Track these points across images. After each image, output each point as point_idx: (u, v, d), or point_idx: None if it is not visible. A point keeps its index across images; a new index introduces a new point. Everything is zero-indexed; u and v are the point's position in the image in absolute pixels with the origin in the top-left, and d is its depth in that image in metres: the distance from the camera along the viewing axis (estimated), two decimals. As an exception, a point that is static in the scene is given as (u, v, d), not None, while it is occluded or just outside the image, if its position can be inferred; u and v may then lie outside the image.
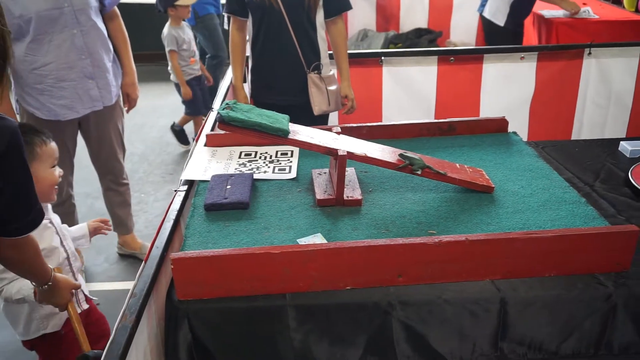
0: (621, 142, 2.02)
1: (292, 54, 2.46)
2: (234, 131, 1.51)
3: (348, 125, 1.93)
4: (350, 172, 1.66)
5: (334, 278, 1.29)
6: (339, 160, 1.49)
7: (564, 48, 3.14)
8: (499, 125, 1.99)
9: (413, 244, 1.28)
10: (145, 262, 1.32)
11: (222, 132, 1.75)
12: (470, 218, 1.47)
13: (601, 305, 1.29)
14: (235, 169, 1.75)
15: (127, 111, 2.83)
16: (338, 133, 1.68)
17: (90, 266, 3.02)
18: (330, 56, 2.63)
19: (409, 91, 3.10)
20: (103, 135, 2.71)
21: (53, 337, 1.79)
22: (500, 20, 3.87)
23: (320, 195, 1.56)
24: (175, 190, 1.65)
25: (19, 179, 1.20)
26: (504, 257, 1.30)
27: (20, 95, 2.47)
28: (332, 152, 1.53)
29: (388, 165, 1.57)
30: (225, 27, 3.12)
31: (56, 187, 1.70)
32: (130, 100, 2.79)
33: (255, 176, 1.69)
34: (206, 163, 1.79)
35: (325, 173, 1.68)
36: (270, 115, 1.57)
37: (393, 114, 3.12)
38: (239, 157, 1.83)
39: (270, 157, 1.83)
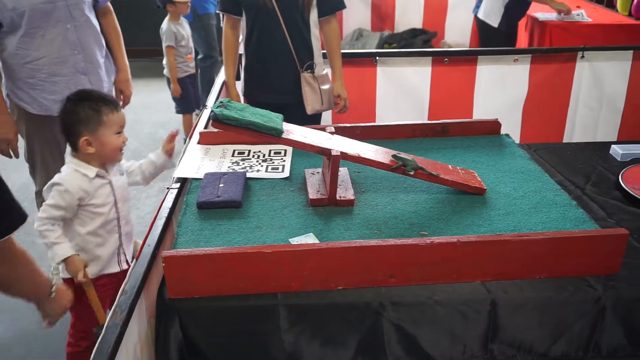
0: (612, 146, 2.04)
1: (286, 52, 2.46)
2: (227, 129, 1.51)
3: (342, 125, 1.94)
4: (343, 172, 1.66)
5: (326, 278, 1.29)
6: (332, 160, 1.49)
7: (557, 51, 3.16)
8: (491, 127, 2.00)
9: (405, 244, 1.28)
10: (136, 260, 1.32)
11: (216, 130, 1.74)
12: (462, 220, 1.48)
13: (590, 308, 1.30)
14: (229, 167, 1.75)
15: (122, 108, 2.82)
16: (332, 133, 1.68)
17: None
18: (324, 55, 2.63)
19: (403, 92, 3.10)
20: None
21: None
22: (494, 21, 3.88)
23: (313, 195, 1.56)
24: (168, 188, 1.65)
25: None
26: (495, 259, 1.31)
27: (11, 89, 2.44)
28: (325, 152, 1.53)
29: (381, 166, 1.57)
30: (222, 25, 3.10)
31: (122, 150, 1.87)
32: (124, 97, 2.77)
33: (248, 175, 1.69)
34: (199, 161, 1.79)
35: (318, 173, 1.68)
36: (264, 114, 1.57)
37: (387, 115, 3.12)
38: (232, 156, 1.83)
39: (264, 156, 1.83)
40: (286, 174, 1.72)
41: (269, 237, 1.41)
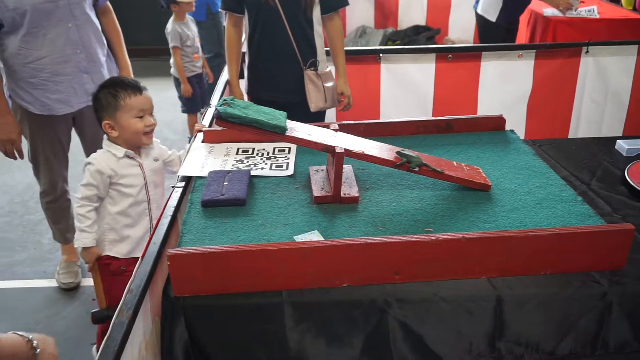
0: (618, 141, 2.03)
1: (288, 50, 2.46)
2: (231, 127, 1.51)
3: (345, 122, 1.93)
4: (347, 169, 1.66)
5: (331, 275, 1.29)
6: (336, 158, 1.49)
7: (561, 46, 3.14)
8: (496, 123, 1.99)
9: (410, 241, 1.28)
10: (142, 258, 1.32)
11: (220, 128, 1.74)
12: (467, 216, 1.48)
13: (596, 304, 1.30)
14: (233, 165, 1.75)
15: None
16: (335, 130, 1.67)
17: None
18: (328, 53, 2.62)
19: (407, 88, 3.10)
20: (97, 130, 2.69)
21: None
22: (492, 16, 3.86)
23: (317, 192, 1.56)
24: (173, 187, 1.65)
25: None
26: (500, 255, 1.31)
27: (12, 89, 2.44)
28: (329, 149, 1.53)
29: (385, 163, 1.57)
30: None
31: (146, 134, 1.94)
32: (127, 96, 2.78)
33: (253, 173, 1.69)
34: (203, 159, 1.79)
35: (322, 170, 1.68)
36: (268, 112, 1.56)
37: (391, 111, 3.11)
38: (237, 154, 1.83)
39: (268, 153, 1.83)
40: (290, 171, 1.71)
41: (273, 235, 1.41)
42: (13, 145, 2.43)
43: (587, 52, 3.05)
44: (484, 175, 1.64)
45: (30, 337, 1.18)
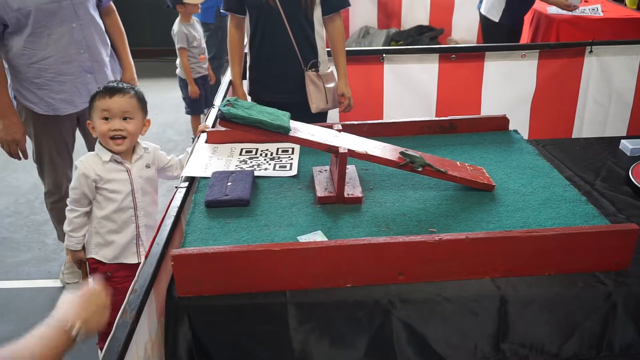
0: (622, 141, 2.02)
1: (290, 51, 2.46)
2: (235, 128, 1.51)
3: (349, 122, 1.93)
4: (350, 169, 1.66)
5: (335, 276, 1.29)
6: (339, 158, 1.49)
7: (565, 46, 3.13)
8: (499, 124, 1.99)
9: (413, 242, 1.28)
10: (145, 259, 1.32)
11: (223, 129, 1.74)
12: (471, 216, 1.47)
13: (601, 304, 1.29)
14: (236, 166, 1.75)
15: None
16: (339, 130, 1.68)
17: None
18: (329, 53, 2.62)
19: (410, 89, 3.09)
20: None
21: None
22: (494, 16, 3.85)
23: (320, 192, 1.56)
24: (176, 187, 1.65)
25: None
26: (504, 255, 1.30)
27: (17, 90, 2.45)
28: (333, 150, 1.53)
29: (389, 163, 1.57)
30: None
31: (113, 139, 1.87)
32: (130, 96, 2.78)
33: (256, 173, 1.69)
34: (207, 160, 1.79)
35: (326, 170, 1.68)
36: (271, 112, 1.57)
37: (394, 112, 3.11)
38: (240, 154, 1.83)
39: (271, 154, 1.83)
40: (294, 172, 1.72)
41: (277, 235, 1.41)
42: (18, 146, 2.44)
43: (591, 51, 3.04)
44: (487, 175, 1.64)
45: (69, 325, 1.06)
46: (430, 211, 1.50)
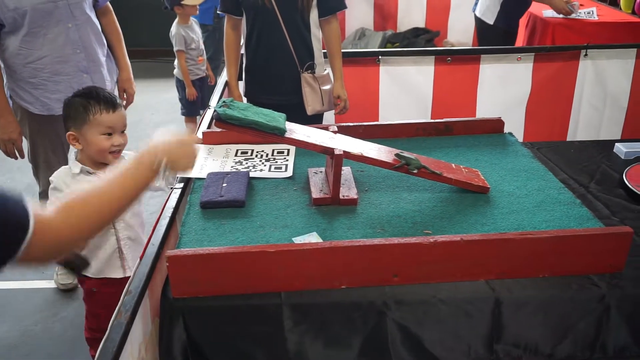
0: (616, 144, 2.03)
1: (286, 53, 2.46)
2: (230, 129, 1.51)
3: (344, 124, 1.93)
4: (346, 171, 1.66)
5: (330, 277, 1.29)
6: (335, 160, 1.49)
7: (560, 49, 3.14)
8: (495, 126, 2.00)
9: (408, 243, 1.28)
10: (140, 260, 1.32)
11: (219, 129, 1.74)
12: (466, 218, 1.48)
13: (595, 306, 1.30)
14: (232, 167, 1.75)
15: (125, 107, 2.82)
16: (334, 132, 1.68)
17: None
18: (325, 55, 2.62)
19: (406, 91, 3.10)
20: None
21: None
22: (489, 18, 3.86)
23: (316, 194, 1.56)
24: (171, 188, 1.65)
25: None
26: (498, 257, 1.31)
27: (13, 89, 2.45)
28: (328, 151, 1.53)
29: (384, 165, 1.57)
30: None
31: (113, 153, 1.82)
32: (127, 96, 2.78)
33: (252, 174, 1.69)
34: (202, 161, 1.79)
35: (321, 172, 1.68)
36: (267, 113, 1.57)
37: (390, 114, 3.11)
38: (235, 155, 1.83)
39: (267, 155, 1.83)
40: (289, 173, 1.72)
41: (272, 237, 1.41)
42: (14, 145, 2.43)
43: (586, 55, 3.06)
44: (482, 177, 1.65)
45: (157, 162, 1.19)
46: (426, 213, 1.50)
